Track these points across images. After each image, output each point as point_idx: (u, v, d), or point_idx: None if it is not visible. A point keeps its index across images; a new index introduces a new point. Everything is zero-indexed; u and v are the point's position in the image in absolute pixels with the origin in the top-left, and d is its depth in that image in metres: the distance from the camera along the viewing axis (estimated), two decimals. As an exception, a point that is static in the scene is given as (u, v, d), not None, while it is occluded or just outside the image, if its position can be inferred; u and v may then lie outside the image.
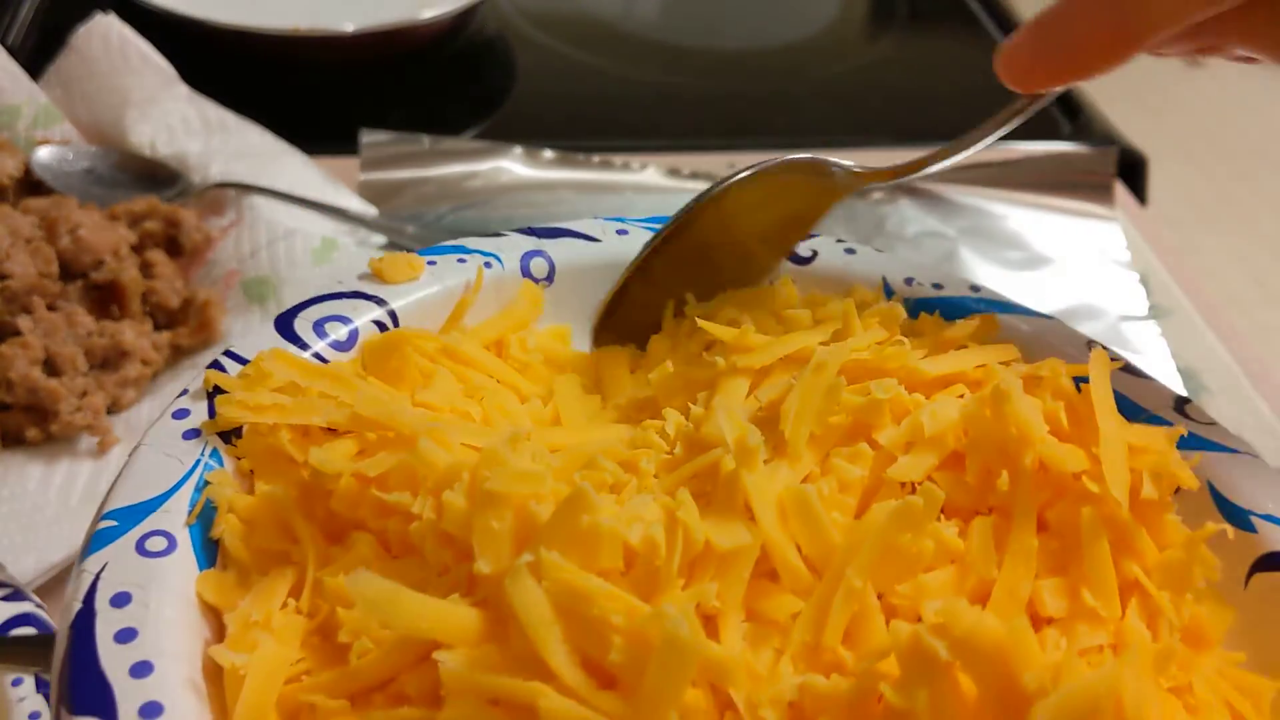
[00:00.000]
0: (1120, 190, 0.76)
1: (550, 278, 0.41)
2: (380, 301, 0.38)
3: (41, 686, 0.41)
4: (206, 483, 0.32)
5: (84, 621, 0.28)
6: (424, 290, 0.39)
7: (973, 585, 0.30)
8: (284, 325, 0.36)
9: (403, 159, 0.71)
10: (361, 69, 0.84)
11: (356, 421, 0.32)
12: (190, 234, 0.61)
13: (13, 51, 0.74)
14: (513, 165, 0.72)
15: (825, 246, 0.44)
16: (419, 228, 0.68)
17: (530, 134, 0.79)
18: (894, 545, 0.29)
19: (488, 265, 0.40)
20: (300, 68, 0.82)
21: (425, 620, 0.27)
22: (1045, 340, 0.39)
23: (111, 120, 0.67)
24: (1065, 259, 0.70)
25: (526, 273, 0.40)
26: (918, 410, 0.33)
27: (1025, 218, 0.72)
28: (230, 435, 0.33)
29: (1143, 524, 0.31)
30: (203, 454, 0.32)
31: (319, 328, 0.36)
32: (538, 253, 0.40)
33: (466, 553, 0.28)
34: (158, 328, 0.58)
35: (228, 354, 0.35)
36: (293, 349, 0.35)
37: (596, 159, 0.73)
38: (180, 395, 0.34)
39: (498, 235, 0.41)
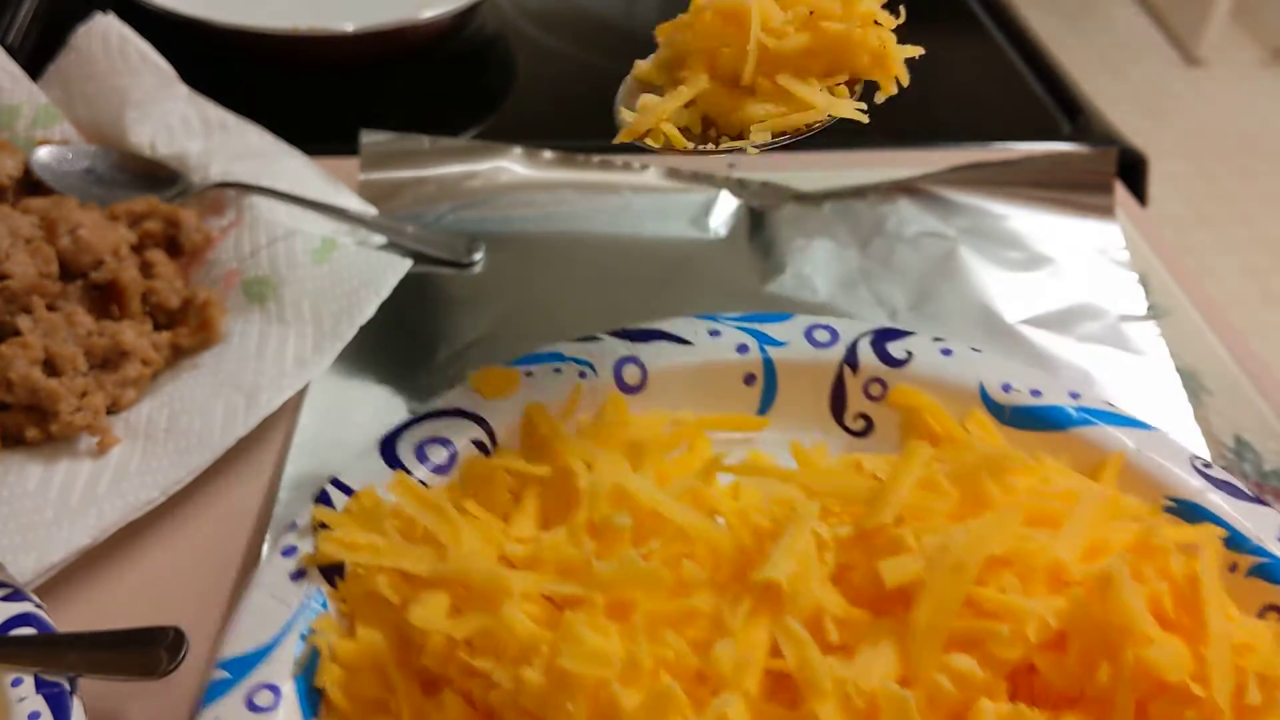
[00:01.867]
0: (1120, 190, 0.76)
1: (643, 384, 0.41)
2: (479, 420, 0.38)
3: (41, 686, 0.41)
4: (311, 630, 0.33)
5: None
6: (519, 402, 0.39)
7: None
8: (388, 450, 0.37)
9: (403, 159, 0.71)
10: (361, 69, 0.84)
11: (445, 577, 0.33)
12: (190, 234, 0.61)
13: (12, 51, 0.74)
14: (513, 165, 0.72)
15: (920, 347, 0.43)
16: (419, 228, 0.68)
17: (530, 134, 0.79)
18: None
19: (582, 375, 0.40)
20: (300, 68, 0.82)
21: None
22: (1147, 456, 0.38)
23: (111, 120, 0.67)
24: (1065, 259, 0.70)
25: (620, 379, 0.41)
26: (1040, 601, 0.31)
27: (1025, 218, 0.72)
28: (333, 573, 0.34)
29: None
30: (308, 597, 0.33)
31: (421, 452, 0.37)
32: (631, 359, 0.41)
33: None
34: (158, 328, 0.58)
35: (334, 482, 0.36)
36: (389, 469, 0.36)
37: (596, 159, 0.73)
38: (289, 530, 0.35)
39: (592, 340, 0.41)
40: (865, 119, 0.33)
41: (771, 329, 0.42)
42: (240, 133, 0.68)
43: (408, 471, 0.36)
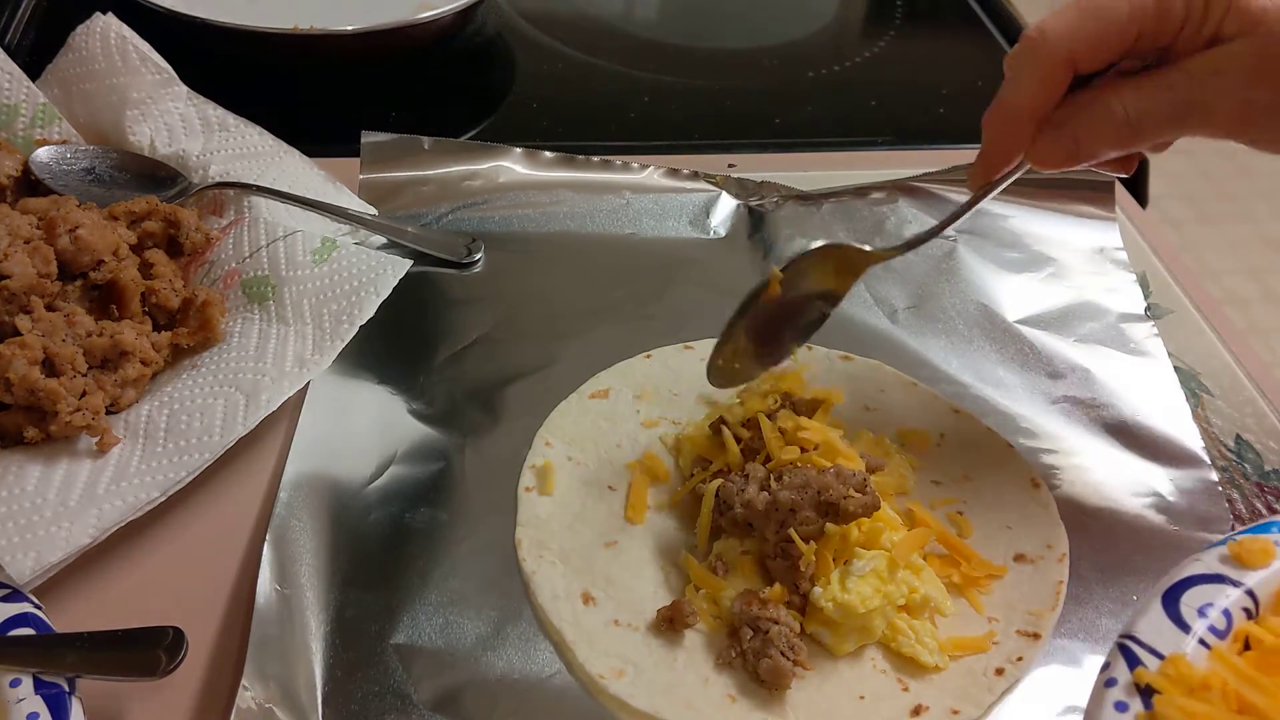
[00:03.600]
0: (1120, 190, 0.76)
1: None
2: (1249, 592, 0.40)
3: (40, 687, 0.41)
4: None
5: None
6: (1276, 571, 0.41)
7: None
8: (1171, 609, 0.39)
9: (403, 159, 0.71)
10: (361, 69, 0.84)
11: None
12: (190, 234, 0.61)
13: (10, 51, 0.74)
14: (513, 165, 0.72)
15: None
16: (419, 228, 0.68)
17: (530, 134, 0.79)
18: None
19: None
20: (300, 68, 0.82)
21: None
22: None
23: (111, 120, 0.67)
24: (1065, 259, 0.70)
25: None
26: None
27: (1025, 218, 0.72)
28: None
29: None
30: None
31: (1202, 612, 0.39)
32: None
33: None
34: (158, 328, 0.58)
35: (1129, 637, 0.38)
36: (1180, 633, 0.39)
37: (596, 159, 0.73)
38: (1112, 686, 0.37)
39: None
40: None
41: None
42: (240, 133, 0.68)
43: (1188, 627, 0.39)
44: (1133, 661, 0.38)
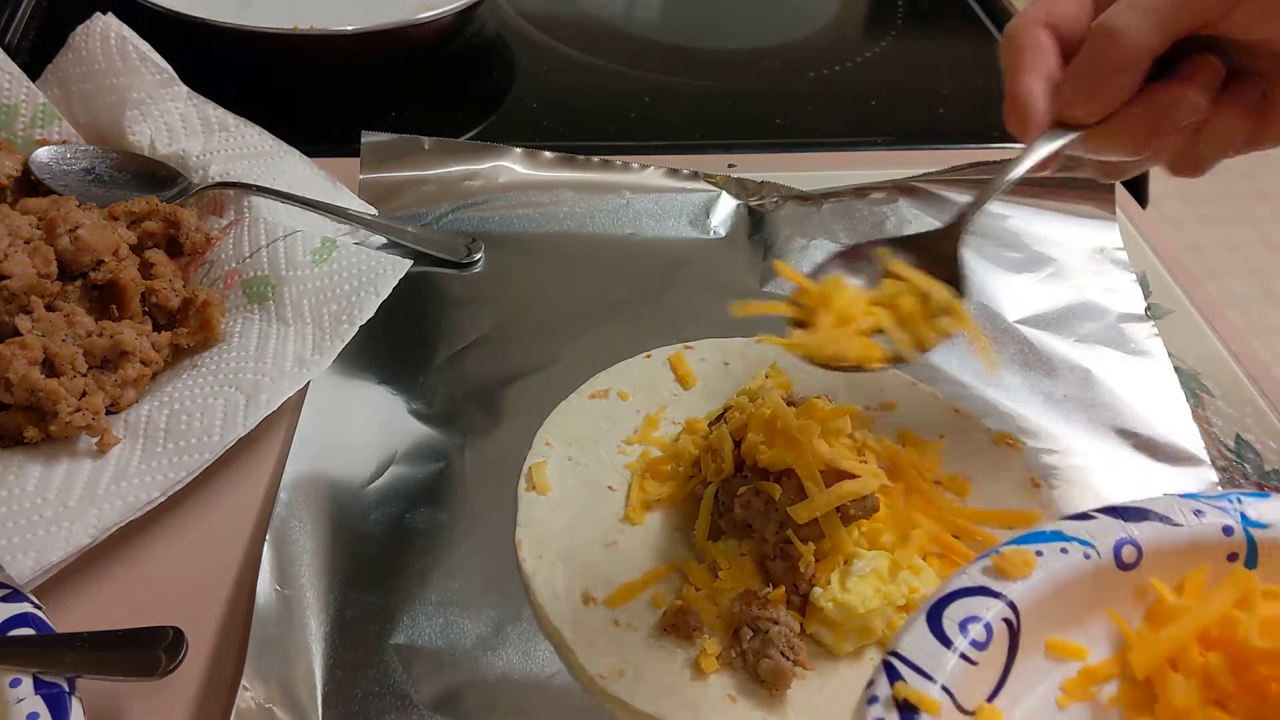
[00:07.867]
0: (1120, 190, 0.76)
1: (1137, 563, 0.44)
2: (1010, 604, 0.41)
3: (40, 687, 0.41)
4: None
5: None
6: (1036, 581, 0.42)
7: None
8: (934, 624, 0.40)
9: (403, 159, 0.71)
10: (361, 69, 0.84)
11: None
12: (190, 234, 0.61)
13: (10, 51, 0.74)
14: (513, 165, 0.72)
15: None
16: (419, 228, 0.68)
17: (530, 134, 0.79)
18: None
19: (1086, 556, 0.43)
20: (300, 68, 0.82)
21: None
22: None
23: (110, 120, 0.67)
24: (1065, 259, 0.70)
25: (1118, 558, 0.43)
26: None
27: (1025, 218, 0.72)
28: None
29: None
30: None
31: (963, 627, 0.40)
32: (1128, 540, 0.44)
33: None
34: (158, 328, 0.58)
35: (894, 655, 0.39)
36: (943, 648, 0.39)
37: (596, 159, 0.73)
38: (872, 702, 0.37)
39: (1088, 519, 0.44)
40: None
41: (1252, 509, 0.45)
42: (240, 133, 0.68)
43: (951, 643, 0.39)
44: (894, 676, 0.38)
